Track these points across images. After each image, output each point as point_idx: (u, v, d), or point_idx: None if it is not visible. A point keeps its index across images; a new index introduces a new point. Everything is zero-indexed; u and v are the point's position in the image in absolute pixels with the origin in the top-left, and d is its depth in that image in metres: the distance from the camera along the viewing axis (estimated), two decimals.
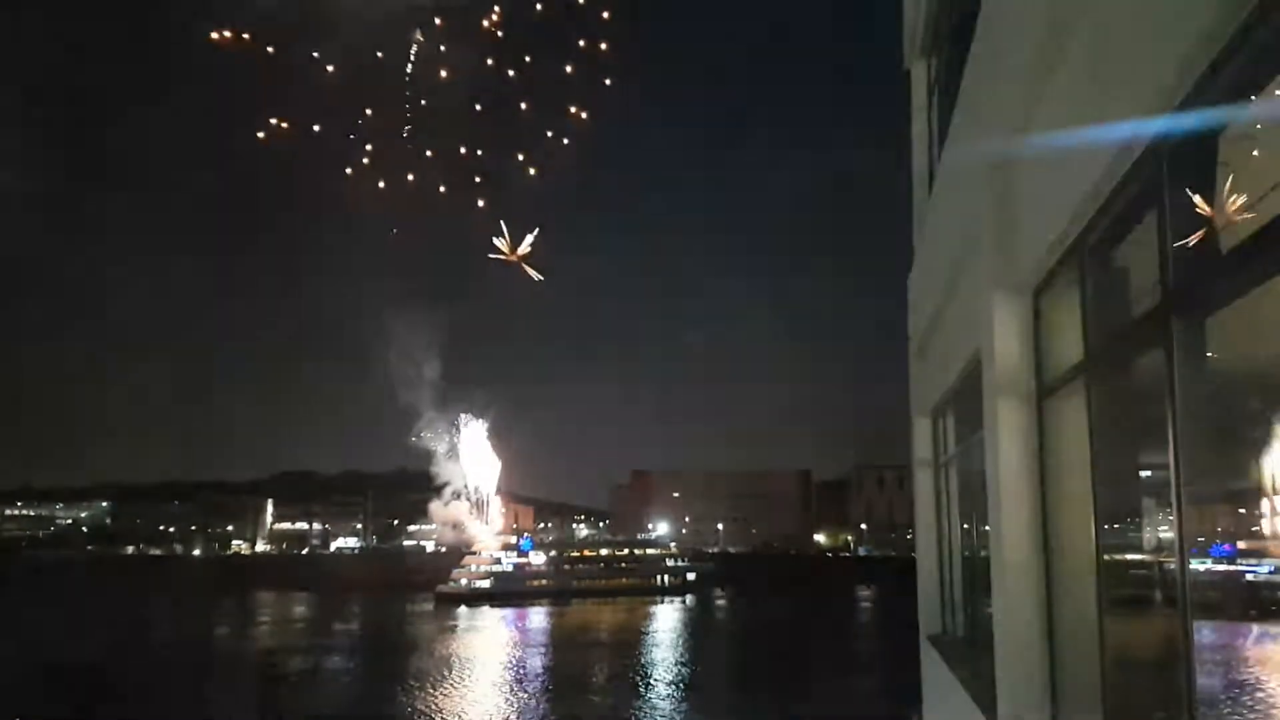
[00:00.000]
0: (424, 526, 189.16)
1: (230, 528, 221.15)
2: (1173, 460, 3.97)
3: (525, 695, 59.47)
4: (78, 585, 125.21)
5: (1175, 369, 3.97)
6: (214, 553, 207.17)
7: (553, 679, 65.93)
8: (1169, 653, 4.21)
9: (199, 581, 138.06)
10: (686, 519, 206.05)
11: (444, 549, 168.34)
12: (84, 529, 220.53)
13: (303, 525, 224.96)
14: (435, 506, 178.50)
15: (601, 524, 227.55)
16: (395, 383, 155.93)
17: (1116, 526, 5.33)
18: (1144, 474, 5.19)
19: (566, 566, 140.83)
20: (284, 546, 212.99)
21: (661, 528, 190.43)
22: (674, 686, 62.75)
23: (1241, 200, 3.54)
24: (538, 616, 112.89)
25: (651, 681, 64.39)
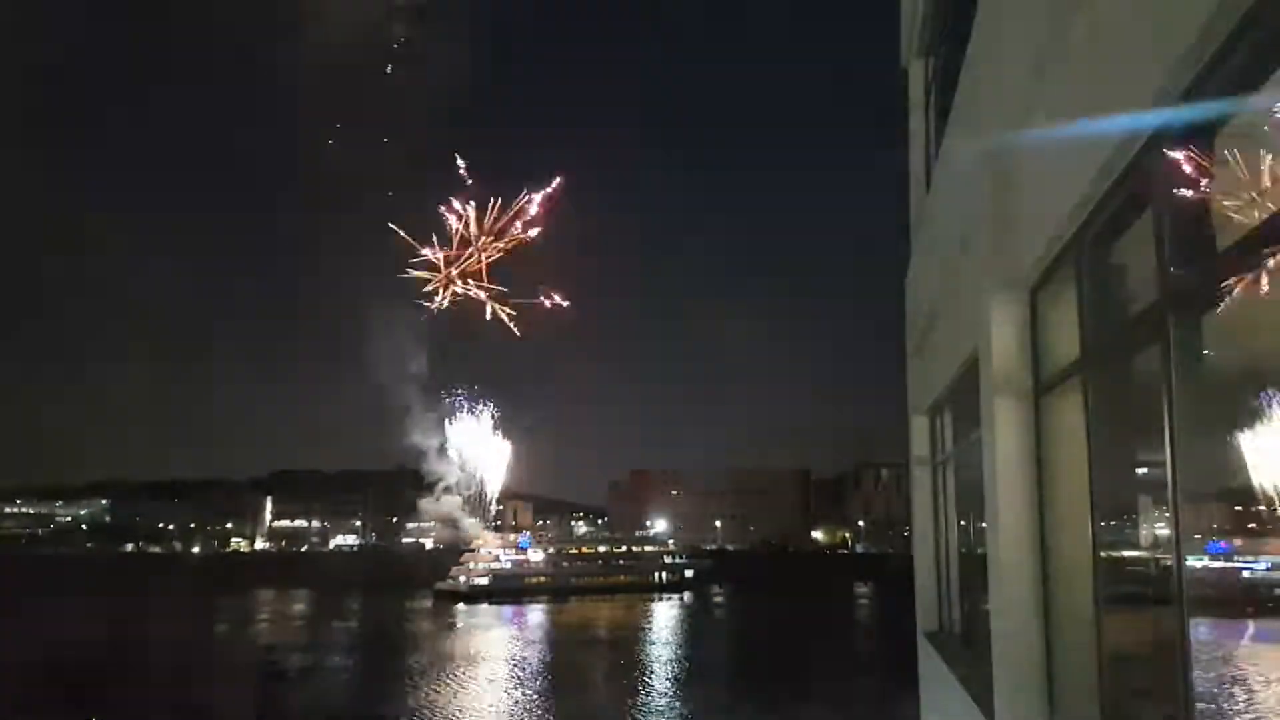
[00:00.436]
0: (423, 524, 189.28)
1: (229, 525, 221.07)
2: (1169, 458, 3.98)
3: (524, 692, 59.48)
4: (77, 582, 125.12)
5: (1172, 367, 3.97)
6: (213, 550, 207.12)
7: (551, 676, 65.93)
8: (1165, 649, 4.22)
9: (198, 579, 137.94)
10: (685, 516, 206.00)
11: (442, 546, 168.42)
12: (83, 526, 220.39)
13: (302, 523, 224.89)
14: (426, 503, 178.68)
15: (600, 521, 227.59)
16: (392, 381, 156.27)
17: (1113, 524, 5.34)
18: (1140, 471, 5.20)
19: (565, 564, 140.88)
20: (283, 544, 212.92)
21: (660, 525, 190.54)
22: (672, 683, 62.76)
23: (1237, 198, 3.55)
24: (536, 614, 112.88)
25: (650, 678, 64.40)
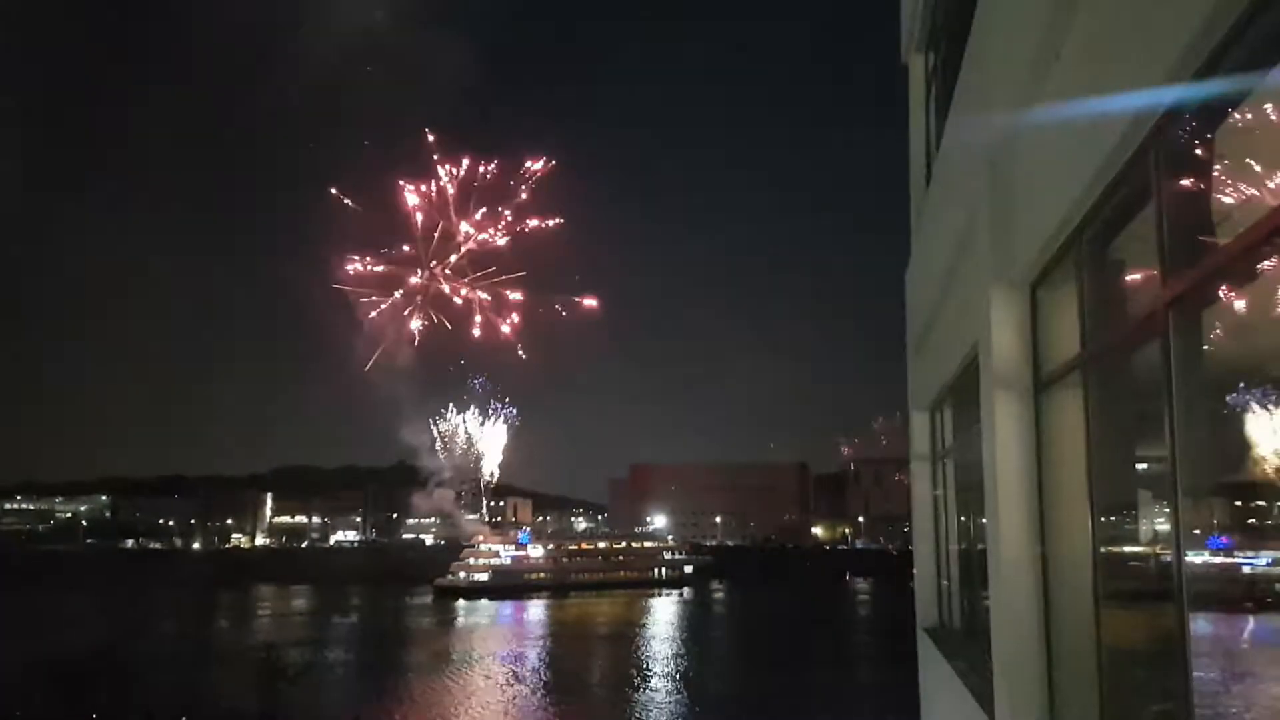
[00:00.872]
0: (422, 520, 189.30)
1: (230, 521, 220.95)
2: (1169, 453, 3.98)
3: (522, 688, 59.56)
4: (77, 579, 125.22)
5: (1172, 362, 3.97)
6: (213, 546, 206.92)
7: (550, 672, 66.03)
8: (1165, 645, 4.23)
9: (198, 575, 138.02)
10: (684, 512, 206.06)
11: (443, 542, 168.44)
12: (84, 523, 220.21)
13: (302, 519, 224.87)
14: (418, 498, 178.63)
15: (600, 517, 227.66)
16: (383, 376, 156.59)
17: (1113, 519, 5.34)
18: (1141, 467, 5.20)
19: (564, 560, 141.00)
20: (283, 540, 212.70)
21: (659, 521, 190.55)
22: (670, 679, 62.84)
23: (1237, 193, 3.55)
24: (536, 610, 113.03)
25: (648, 675, 64.47)
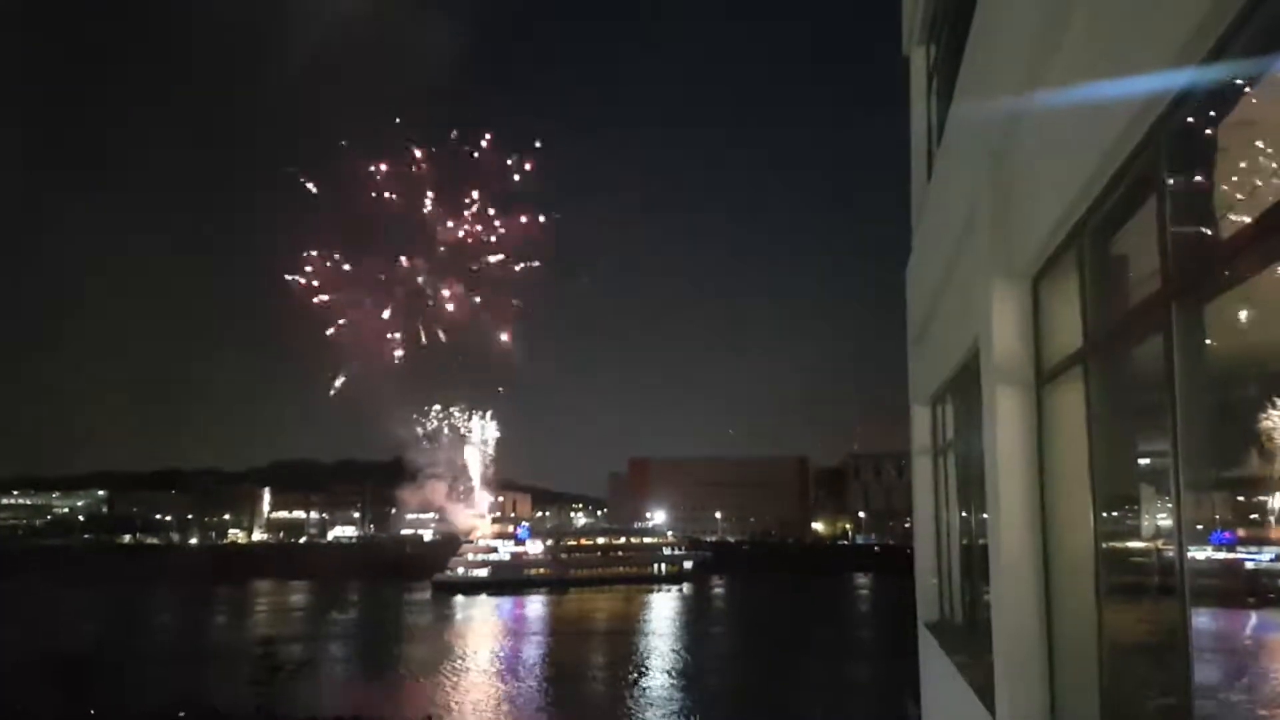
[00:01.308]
0: (421, 515, 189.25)
1: (227, 516, 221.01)
2: (1172, 447, 3.96)
3: (521, 683, 59.63)
4: (74, 574, 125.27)
5: (1175, 356, 3.95)
6: (211, 541, 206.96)
7: (549, 667, 66.10)
8: (1167, 640, 4.21)
9: (196, 570, 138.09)
10: (684, 507, 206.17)
11: (439, 536, 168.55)
12: (80, 518, 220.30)
13: (300, 514, 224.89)
14: (408, 492, 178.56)
15: (599, 512, 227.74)
16: (373, 370, 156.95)
17: (1115, 514, 5.32)
18: (1143, 461, 5.18)
19: (564, 555, 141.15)
20: (281, 535, 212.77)
21: (659, 516, 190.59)
22: (669, 675, 62.92)
23: (1241, 186, 3.52)
24: (534, 605, 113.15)
25: (647, 670, 64.56)
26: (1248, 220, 3.35)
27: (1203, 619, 4.00)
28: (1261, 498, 4.22)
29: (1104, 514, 5.26)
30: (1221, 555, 4.18)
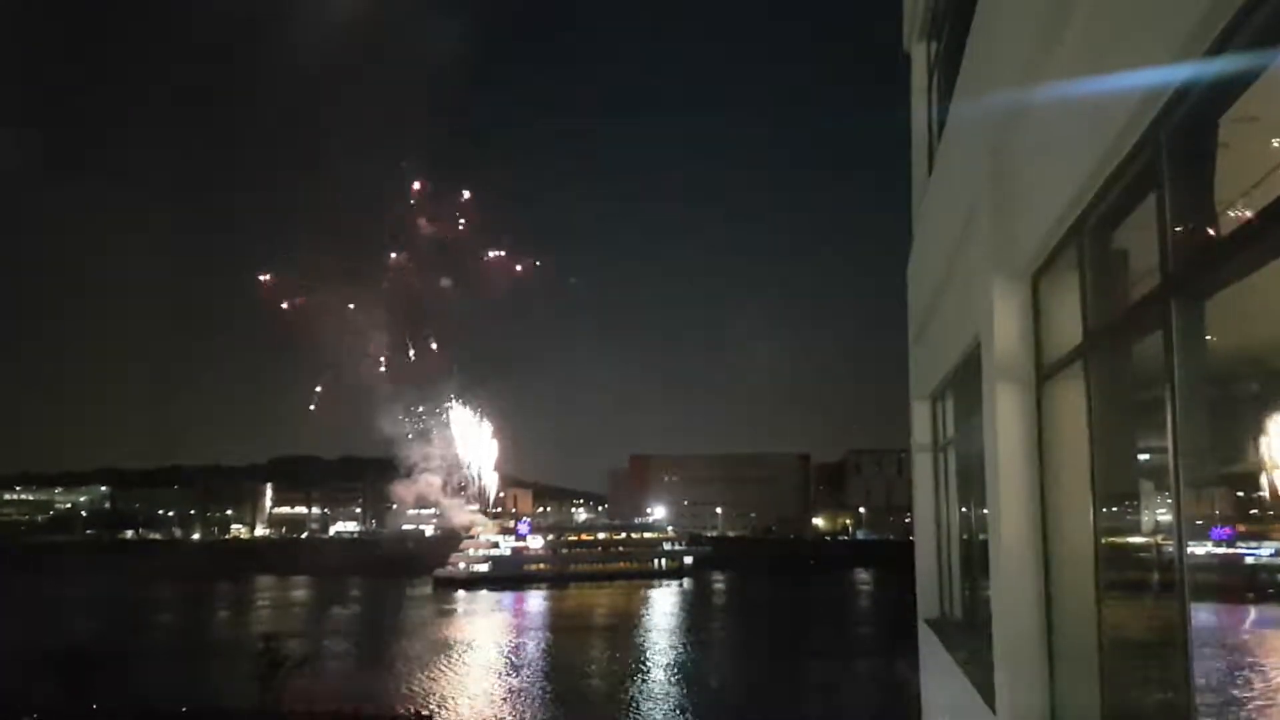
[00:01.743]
0: (422, 511, 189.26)
1: (229, 512, 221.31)
2: (1172, 443, 3.96)
3: (522, 678, 59.70)
4: (76, 569, 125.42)
5: (1175, 352, 3.96)
6: (213, 537, 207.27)
7: (549, 662, 66.19)
8: (1167, 635, 4.22)
9: (198, 566, 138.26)
10: (685, 503, 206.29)
11: (440, 532, 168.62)
12: (83, 513, 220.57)
13: (301, 510, 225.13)
14: (401, 487, 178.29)
15: (600, 508, 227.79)
16: (364, 364, 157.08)
17: (1115, 510, 5.33)
18: (1142, 457, 5.18)
19: (564, 550, 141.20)
20: (283, 531, 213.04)
21: (659, 512, 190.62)
22: (669, 669, 62.99)
23: (1241, 182, 3.53)
24: (535, 600, 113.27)
25: (647, 665, 64.63)
26: (1247, 217, 3.36)
27: (1202, 614, 4.01)
28: (1261, 493, 4.23)
29: (1104, 510, 5.27)
30: (1221, 551, 4.18)
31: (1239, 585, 4.38)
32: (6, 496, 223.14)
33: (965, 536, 10.24)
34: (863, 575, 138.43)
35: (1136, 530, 5.18)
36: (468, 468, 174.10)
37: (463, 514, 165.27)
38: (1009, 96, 6.11)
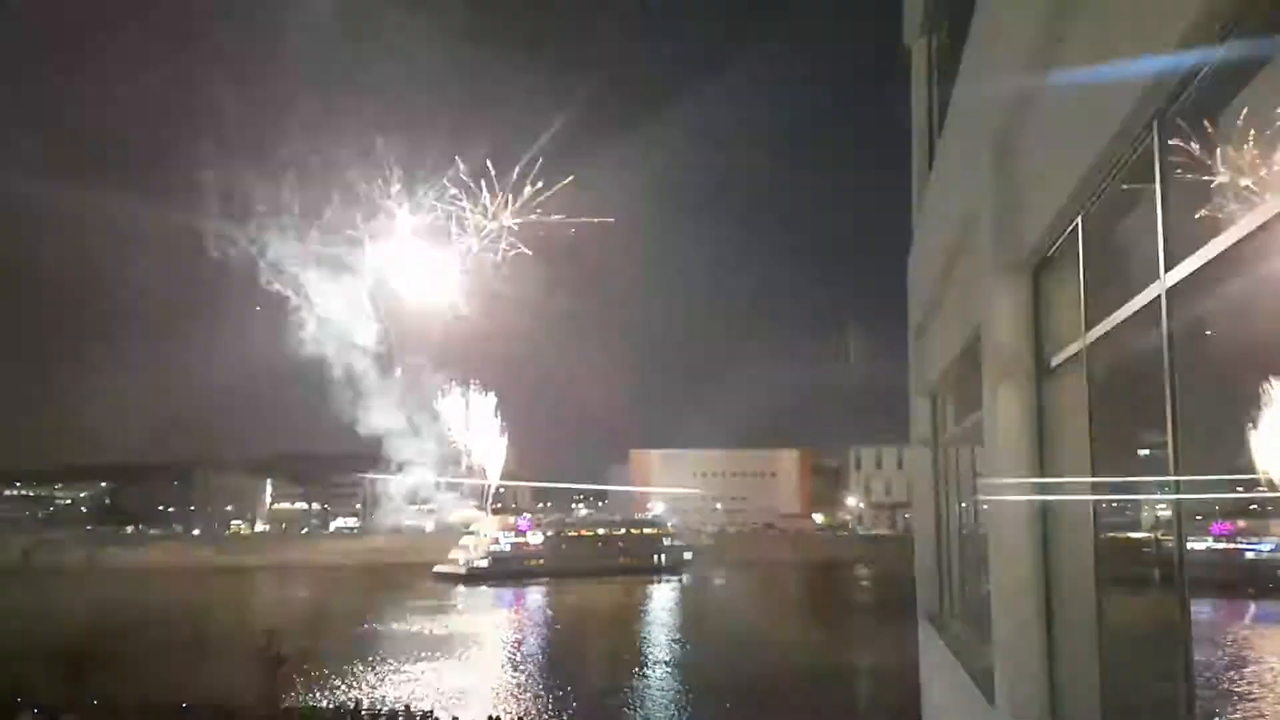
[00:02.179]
0: (423, 506, 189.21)
1: (229, 508, 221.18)
2: (1171, 438, 3.97)
3: (521, 673, 59.75)
4: (76, 565, 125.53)
5: (1174, 346, 3.96)
6: (213, 533, 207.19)
7: (549, 657, 66.23)
8: (1166, 630, 4.23)
9: (197, 560, 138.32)
10: (685, 498, 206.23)
11: (440, 528, 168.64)
12: (83, 509, 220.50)
13: (302, 505, 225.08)
14: (393, 481, 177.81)
15: (600, 503, 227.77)
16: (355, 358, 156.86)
17: (1114, 505, 5.34)
18: (1142, 452, 5.19)
19: (564, 546, 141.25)
20: (283, 527, 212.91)
21: (659, 507, 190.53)
22: (669, 665, 63.04)
23: (1240, 178, 3.53)
24: (535, 596, 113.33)
25: (647, 660, 64.68)
26: (1247, 211, 3.36)
27: (1202, 609, 4.02)
28: (1260, 489, 4.23)
29: (1103, 504, 5.27)
30: (1220, 546, 4.19)
31: (1238, 580, 4.39)
32: (6, 492, 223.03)
33: (965, 531, 10.24)
34: (862, 570, 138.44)
35: (1136, 525, 5.19)
36: (469, 458, 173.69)
37: (462, 509, 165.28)
38: (1009, 91, 6.11)
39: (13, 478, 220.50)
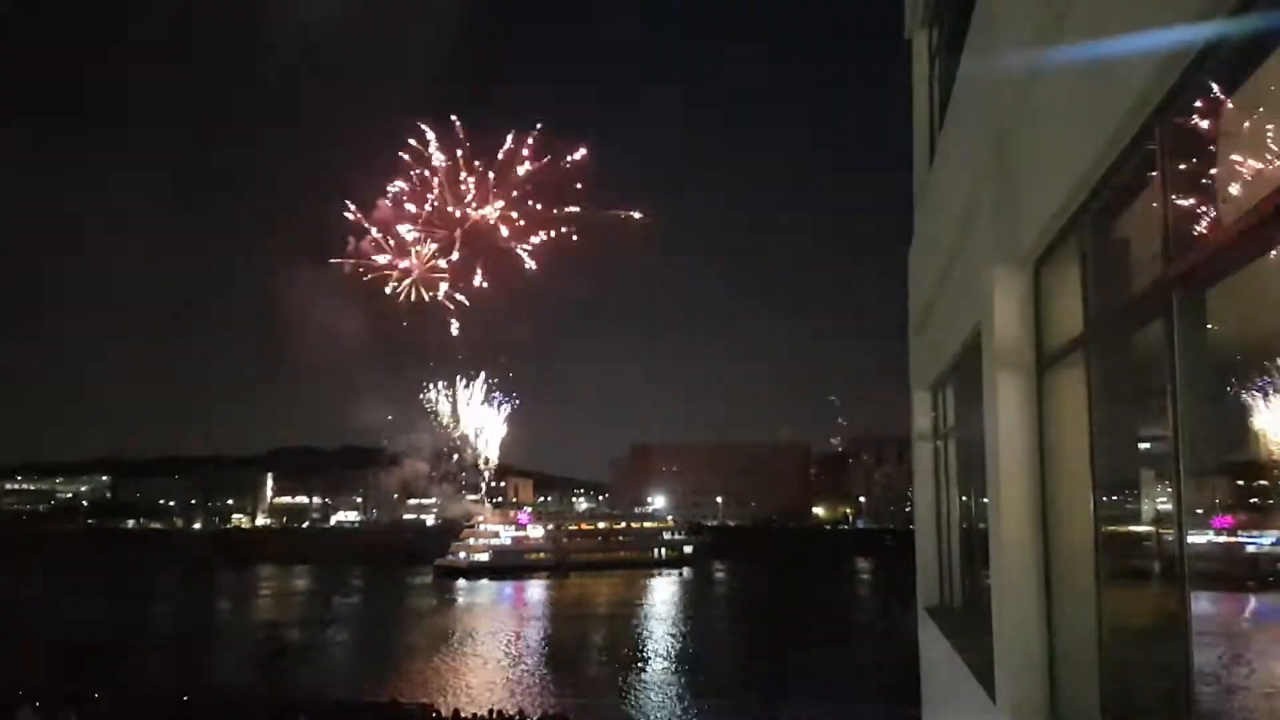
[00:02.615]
0: (424, 501, 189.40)
1: (230, 502, 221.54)
2: (1172, 432, 3.96)
3: (522, 667, 59.83)
4: (78, 559, 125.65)
5: (1175, 341, 3.95)
6: (214, 527, 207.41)
7: (550, 651, 66.32)
8: (1167, 624, 4.22)
9: (199, 555, 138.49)
10: (686, 492, 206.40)
11: (441, 521, 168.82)
12: (84, 503, 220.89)
13: (303, 499, 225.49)
14: (386, 474, 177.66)
15: (601, 497, 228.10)
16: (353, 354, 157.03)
17: (1115, 498, 5.33)
18: (1143, 446, 5.18)
19: (565, 540, 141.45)
20: (284, 520, 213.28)
21: (660, 501, 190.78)
22: (669, 659, 63.13)
23: (1243, 171, 3.52)
24: (536, 589, 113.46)
25: (647, 654, 64.77)
26: (1249, 205, 3.35)
27: (1203, 603, 4.01)
28: (1261, 482, 4.23)
29: (1104, 499, 5.27)
30: (1221, 540, 4.19)
31: (1239, 574, 4.38)
32: (8, 486, 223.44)
33: (965, 525, 10.24)
34: (863, 564, 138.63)
35: (1137, 519, 5.18)
36: (470, 452, 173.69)
37: (463, 503, 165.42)
38: (1011, 84, 6.10)
39: (14, 470, 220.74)
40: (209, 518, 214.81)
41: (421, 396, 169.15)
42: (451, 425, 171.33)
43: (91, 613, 71.41)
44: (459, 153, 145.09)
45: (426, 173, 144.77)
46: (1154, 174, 4.15)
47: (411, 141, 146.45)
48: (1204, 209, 3.83)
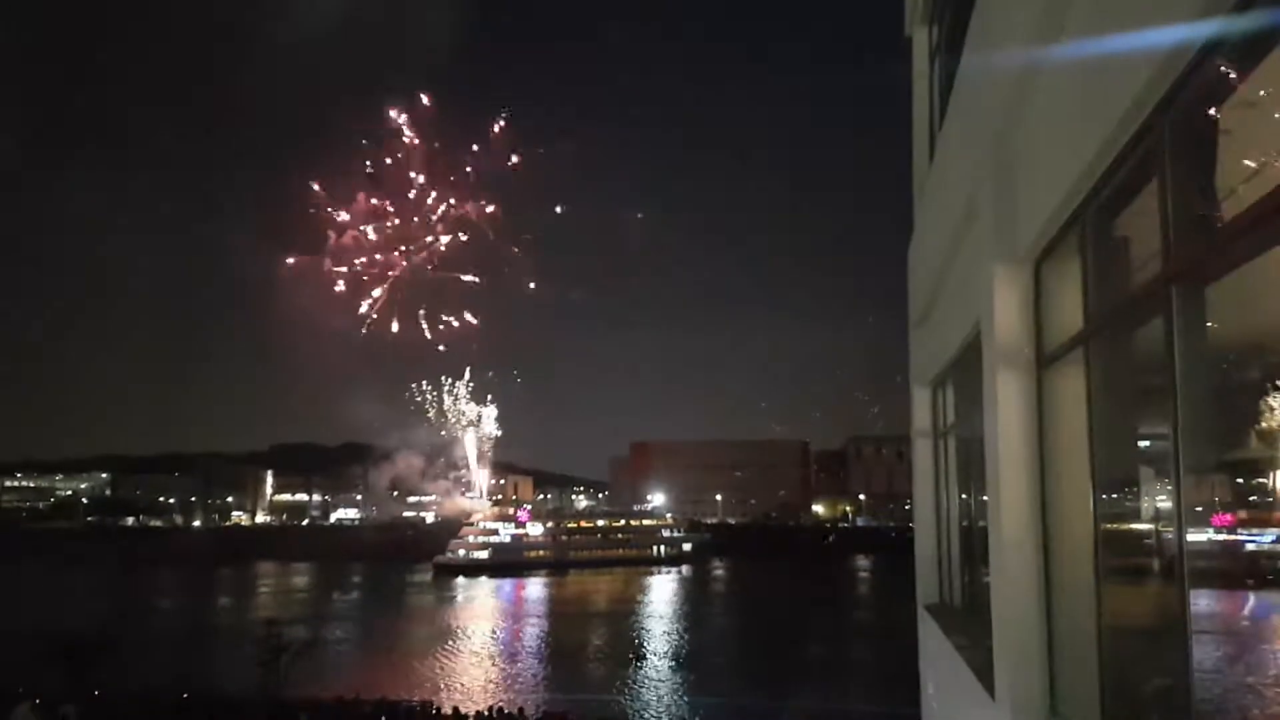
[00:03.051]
0: (424, 498, 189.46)
1: (230, 499, 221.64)
2: (1172, 430, 3.96)
3: (521, 665, 59.88)
4: (78, 556, 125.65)
5: (1176, 338, 3.95)
6: (214, 524, 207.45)
7: (547, 648, 66.38)
8: (1166, 621, 4.22)
9: (199, 552, 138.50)
10: (685, 490, 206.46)
11: (441, 519, 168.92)
12: (84, 500, 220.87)
13: (303, 496, 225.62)
14: (380, 471, 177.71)
15: (600, 495, 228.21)
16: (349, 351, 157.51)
17: (1115, 496, 5.33)
18: (1143, 443, 5.18)
19: (564, 537, 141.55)
20: (284, 518, 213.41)
21: (659, 499, 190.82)
22: (668, 656, 63.18)
23: (1243, 168, 3.51)
24: (535, 587, 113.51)
25: (646, 651, 64.81)
26: (1250, 202, 3.34)
27: (1202, 601, 4.01)
28: (1262, 480, 4.23)
29: (1104, 496, 5.26)
30: (1221, 537, 4.18)
31: (1239, 572, 4.38)
32: (7, 483, 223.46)
33: (965, 523, 10.24)
34: (862, 562, 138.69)
35: (1137, 517, 5.18)
36: (469, 450, 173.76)
37: (462, 500, 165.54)
38: (1011, 81, 6.09)
39: (14, 468, 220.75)
40: (209, 515, 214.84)
41: (421, 396, 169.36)
42: (450, 422, 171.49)
43: (91, 610, 71.42)
44: (436, 144, 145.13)
45: (412, 173, 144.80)
46: (1154, 171, 4.15)
47: (405, 138, 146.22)
48: (1204, 206, 3.83)
